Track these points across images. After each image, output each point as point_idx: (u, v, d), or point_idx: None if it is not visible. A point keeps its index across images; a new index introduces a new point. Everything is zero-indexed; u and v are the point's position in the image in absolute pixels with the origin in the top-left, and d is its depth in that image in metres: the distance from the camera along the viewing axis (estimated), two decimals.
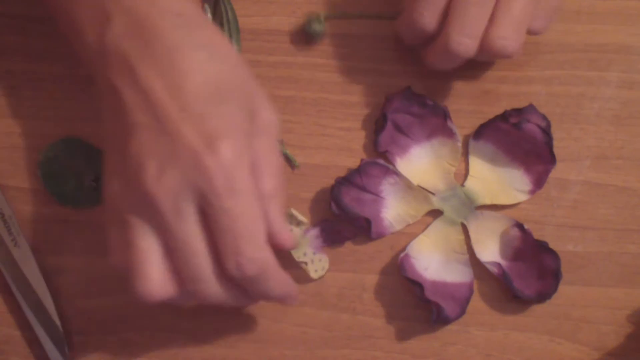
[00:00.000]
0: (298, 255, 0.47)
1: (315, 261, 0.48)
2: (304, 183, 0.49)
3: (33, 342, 0.49)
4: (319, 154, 0.50)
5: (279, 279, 0.41)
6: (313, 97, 0.50)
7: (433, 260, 0.48)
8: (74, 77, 0.50)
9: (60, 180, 0.49)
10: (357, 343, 0.49)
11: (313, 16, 0.49)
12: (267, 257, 0.40)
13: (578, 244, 0.49)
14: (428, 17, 0.44)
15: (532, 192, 0.49)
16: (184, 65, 0.38)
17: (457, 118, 0.49)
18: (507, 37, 0.43)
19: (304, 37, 0.50)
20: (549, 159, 0.48)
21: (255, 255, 0.39)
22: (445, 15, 0.44)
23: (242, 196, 0.38)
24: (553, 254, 0.47)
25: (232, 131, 0.38)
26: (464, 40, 0.43)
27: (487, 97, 0.49)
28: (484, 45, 0.44)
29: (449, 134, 0.49)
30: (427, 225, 0.49)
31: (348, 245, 0.49)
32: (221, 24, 0.49)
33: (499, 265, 0.47)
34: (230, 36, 0.49)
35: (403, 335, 0.49)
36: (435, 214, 0.49)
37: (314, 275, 0.48)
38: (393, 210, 0.49)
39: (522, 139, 0.48)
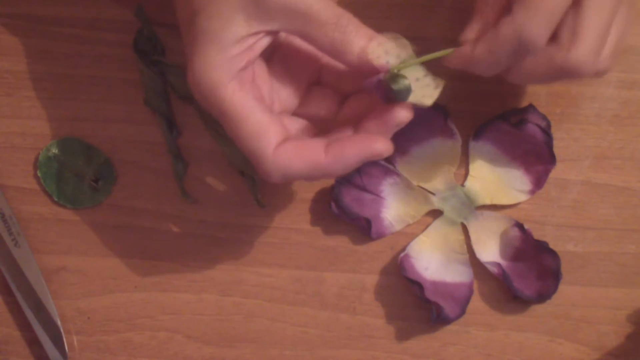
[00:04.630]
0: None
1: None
2: (304, 183, 0.49)
3: (33, 342, 0.49)
4: None
5: None
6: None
7: (433, 260, 0.48)
8: (74, 77, 0.50)
9: (60, 180, 0.49)
10: (357, 343, 0.49)
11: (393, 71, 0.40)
12: None
13: (578, 244, 0.49)
14: (544, 29, 0.38)
15: (532, 192, 0.48)
16: None
17: (457, 118, 0.49)
18: (589, 51, 0.39)
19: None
20: (549, 159, 0.48)
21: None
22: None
23: None
24: (553, 254, 0.47)
25: None
26: (541, 26, 0.38)
27: (487, 97, 0.49)
28: (557, 57, 0.39)
29: (449, 134, 0.49)
30: (427, 226, 0.49)
31: (348, 245, 0.49)
32: None
33: (499, 265, 0.47)
34: None
35: (403, 335, 0.49)
36: (435, 214, 0.49)
37: (429, 101, 0.41)
38: (393, 210, 0.49)
39: (522, 139, 0.48)
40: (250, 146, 0.39)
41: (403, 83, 0.39)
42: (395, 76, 0.39)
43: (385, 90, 0.39)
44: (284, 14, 0.38)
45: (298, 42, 0.43)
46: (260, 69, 0.42)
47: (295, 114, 0.44)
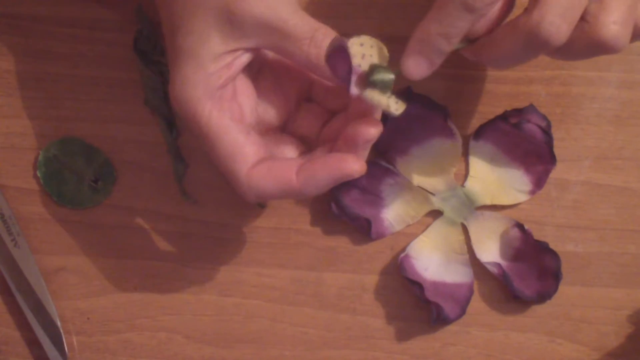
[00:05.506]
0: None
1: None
2: None
3: (33, 342, 0.49)
4: None
5: None
6: None
7: (433, 260, 0.48)
8: (74, 77, 0.50)
9: (60, 180, 0.49)
10: (357, 343, 0.49)
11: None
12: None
13: (578, 244, 0.49)
14: (565, 26, 0.36)
15: (532, 192, 0.48)
16: None
17: (457, 118, 0.49)
18: (621, 22, 0.36)
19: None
20: (549, 159, 0.48)
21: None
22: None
23: None
24: (553, 254, 0.47)
25: None
26: (558, 23, 0.36)
27: (487, 97, 0.49)
28: (590, 33, 0.37)
29: (449, 134, 0.49)
30: (427, 226, 0.49)
31: (348, 246, 0.49)
32: None
33: (499, 265, 0.47)
34: None
35: (403, 335, 0.49)
36: (435, 214, 0.49)
37: (395, 110, 0.39)
38: (393, 210, 0.49)
39: (522, 139, 0.48)
40: (225, 166, 0.40)
41: (385, 74, 0.37)
42: (377, 67, 0.38)
43: (363, 82, 0.38)
44: (259, 30, 0.39)
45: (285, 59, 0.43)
46: (244, 85, 0.42)
47: (286, 129, 0.44)
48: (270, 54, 0.43)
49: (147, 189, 0.49)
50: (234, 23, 0.38)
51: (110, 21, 0.50)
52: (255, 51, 0.40)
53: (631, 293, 0.48)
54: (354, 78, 0.37)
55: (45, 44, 0.50)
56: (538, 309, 0.48)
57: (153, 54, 0.49)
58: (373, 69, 0.38)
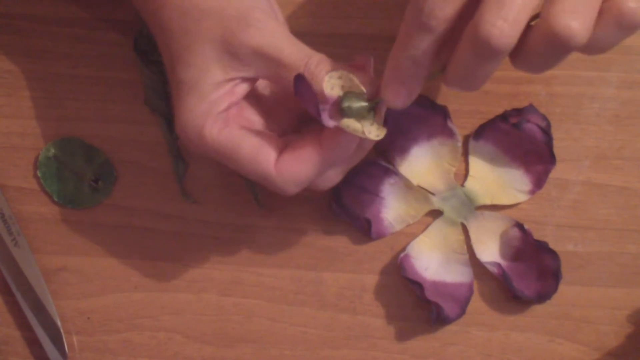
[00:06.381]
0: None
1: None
2: None
3: (33, 342, 0.49)
4: None
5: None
6: None
7: (433, 260, 0.48)
8: (74, 77, 0.50)
9: (60, 180, 0.49)
10: (357, 343, 0.49)
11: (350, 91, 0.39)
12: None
13: (578, 244, 0.49)
14: (507, 26, 0.33)
15: (532, 192, 0.48)
16: None
17: (457, 118, 0.49)
18: (571, 10, 0.33)
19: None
20: (549, 159, 0.48)
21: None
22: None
23: None
24: (553, 254, 0.47)
25: None
26: (498, 23, 0.33)
27: (487, 97, 0.49)
28: (540, 26, 0.33)
29: (449, 134, 0.49)
30: (427, 226, 0.49)
31: (348, 245, 0.49)
32: None
33: (499, 265, 0.47)
34: None
35: (403, 335, 0.49)
36: (435, 214, 0.49)
37: (375, 136, 0.39)
38: (393, 210, 0.49)
39: (522, 139, 0.48)
40: (252, 171, 0.40)
41: (357, 102, 0.38)
42: (348, 95, 0.38)
43: (338, 111, 0.39)
44: (256, 60, 0.39)
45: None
46: (247, 105, 0.43)
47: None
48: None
49: (147, 189, 0.49)
50: (231, 54, 0.39)
51: (110, 21, 0.50)
52: (254, 81, 0.41)
53: (631, 293, 0.48)
54: (326, 108, 0.38)
55: (45, 44, 0.50)
56: (538, 309, 0.48)
57: (153, 54, 0.49)
58: (344, 97, 0.38)
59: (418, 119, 0.49)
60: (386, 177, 0.49)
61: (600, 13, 0.34)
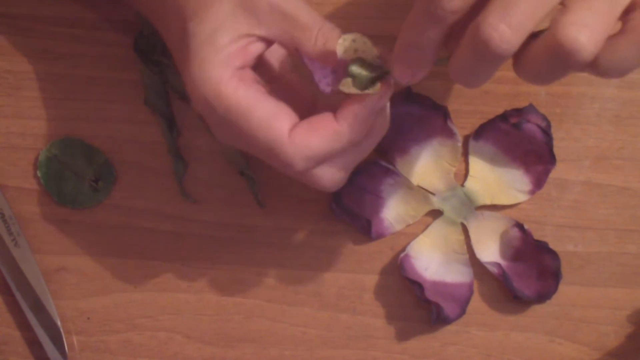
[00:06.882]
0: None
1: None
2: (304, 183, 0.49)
3: (33, 342, 0.49)
4: None
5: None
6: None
7: (433, 260, 0.48)
8: (74, 77, 0.50)
9: (60, 180, 0.49)
10: (357, 343, 0.49)
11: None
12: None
13: (578, 244, 0.49)
14: (508, 30, 0.32)
15: (532, 192, 0.48)
16: None
17: (457, 118, 0.49)
18: (581, 23, 0.32)
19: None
20: (549, 159, 0.48)
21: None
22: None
23: None
24: (553, 254, 0.47)
25: None
26: (500, 26, 0.32)
27: (487, 97, 0.49)
28: (547, 36, 0.33)
29: (449, 134, 0.49)
30: (427, 226, 0.49)
31: (348, 245, 0.49)
32: None
33: (499, 265, 0.47)
34: None
35: (403, 335, 0.49)
36: (435, 214, 0.49)
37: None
38: (393, 210, 0.49)
39: (522, 139, 0.48)
40: (263, 137, 0.38)
41: (365, 70, 0.38)
42: (361, 61, 0.39)
43: (342, 68, 0.39)
44: (273, 17, 0.39)
45: (290, 76, 0.44)
46: (260, 84, 0.42)
47: None
48: (277, 72, 0.43)
49: (147, 189, 0.49)
50: (248, 10, 0.39)
51: (110, 21, 0.50)
52: (267, 43, 0.40)
53: (631, 293, 0.48)
54: (332, 70, 0.39)
55: (45, 44, 0.50)
56: (538, 309, 0.48)
57: (153, 54, 0.49)
58: (354, 61, 0.38)
59: (418, 119, 0.49)
60: (386, 177, 0.49)
61: (623, 32, 0.33)
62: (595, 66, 0.34)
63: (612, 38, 0.33)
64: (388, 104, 0.41)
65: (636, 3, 0.33)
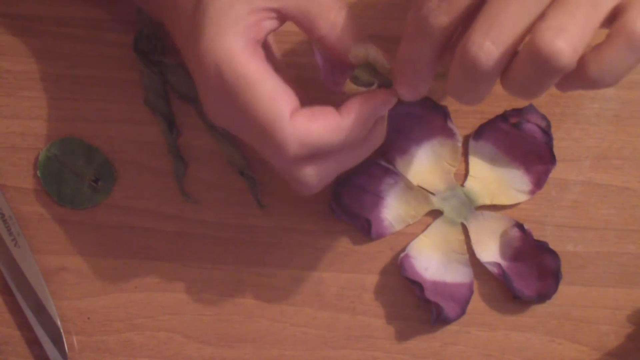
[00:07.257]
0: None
1: None
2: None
3: (33, 342, 0.49)
4: None
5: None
6: (315, 97, 0.50)
7: (433, 260, 0.48)
8: (74, 77, 0.50)
9: (60, 180, 0.49)
10: (357, 343, 0.49)
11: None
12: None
13: (578, 244, 0.49)
14: (493, 47, 0.32)
15: (532, 192, 0.48)
16: None
17: (457, 118, 0.49)
18: (557, 28, 0.31)
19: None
20: (549, 159, 0.48)
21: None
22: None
23: None
24: (553, 254, 0.47)
25: None
26: (484, 43, 0.32)
27: (487, 97, 0.49)
28: (526, 45, 0.32)
29: (449, 134, 0.49)
30: (427, 226, 0.49)
31: (348, 245, 0.49)
32: None
33: (499, 265, 0.47)
34: None
35: (403, 335, 0.49)
36: (435, 214, 0.49)
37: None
38: (393, 210, 0.49)
39: (522, 139, 0.48)
40: (265, 112, 0.37)
41: (367, 76, 0.39)
42: (368, 66, 0.39)
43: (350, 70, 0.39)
44: None
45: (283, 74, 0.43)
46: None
47: None
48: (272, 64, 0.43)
49: (147, 189, 0.49)
50: None
51: (110, 21, 0.50)
52: (280, 19, 0.39)
53: (631, 293, 0.48)
54: (339, 71, 0.39)
55: (45, 44, 0.50)
56: (538, 309, 0.48)
57: (153, 54, 0.49)
58: (363, 66, 0.39)
59: (418, 119, 0.49)
60: (386, 177, 0.49)
61: (609, 37, 0.32)
62: (585, 76, 0.33)
63: (598, 45, 0.33)
64: (386, 117, 0.41)
65: (620, 9, 0.32)
